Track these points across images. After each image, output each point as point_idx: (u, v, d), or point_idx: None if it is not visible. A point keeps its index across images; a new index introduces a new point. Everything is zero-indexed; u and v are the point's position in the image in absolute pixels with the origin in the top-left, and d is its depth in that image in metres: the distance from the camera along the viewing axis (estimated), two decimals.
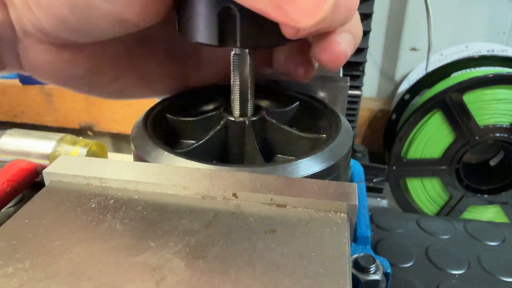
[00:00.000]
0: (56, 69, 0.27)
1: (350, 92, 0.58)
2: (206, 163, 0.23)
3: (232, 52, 0.27)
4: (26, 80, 0.96)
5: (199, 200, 0.20)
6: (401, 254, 0.34)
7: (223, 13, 0.22)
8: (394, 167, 0.70)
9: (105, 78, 0.29)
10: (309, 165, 0.24)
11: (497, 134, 0.65)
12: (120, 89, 0.30)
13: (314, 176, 0.24)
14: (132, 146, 0.27)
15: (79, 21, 0.23)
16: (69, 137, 0.41)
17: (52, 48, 0.26)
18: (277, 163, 0.24)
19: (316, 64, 0.30)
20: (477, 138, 0.65)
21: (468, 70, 0.74)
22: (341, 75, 0.40)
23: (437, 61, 0.81)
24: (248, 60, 0.27)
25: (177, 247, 0.17)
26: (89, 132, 1.00)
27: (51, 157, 0.39)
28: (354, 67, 0.60)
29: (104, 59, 0.28)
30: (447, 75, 0.75)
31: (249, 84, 0.28)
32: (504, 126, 0.64)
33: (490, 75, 0.63)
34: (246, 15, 0.22)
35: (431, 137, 0.68)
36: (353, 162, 0.36)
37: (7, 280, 0.16)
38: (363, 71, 0.61)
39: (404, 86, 0.84)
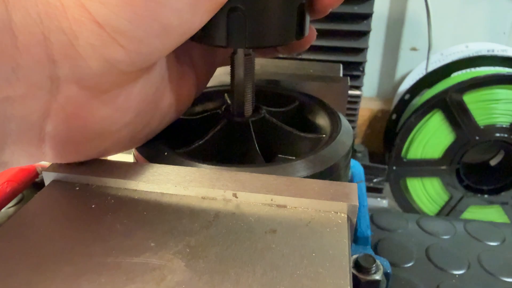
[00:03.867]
0: (106, 125, 0.21)
1: (350, 92, 0.58)
2: (206, 163, 0.23)
3: (239, 53, 0.27)
4: None
5: (199, 200, 0.20)
6: (401, 254, 0.34)
7: (230, 13, 0.22)
8: (394, 167, 0.70)
9: (148, 116, 0.24)
10: (309, 165, 0.24)
11: (497, 134, 0.65)
12: (161, 120, 0.25)
13: (314, 176, 0.24)
14: None
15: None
16: None
17: (104, 98, 0.20)
18: (277, 163, 0.24)
19: None
20: (477, 138, 0.65)
21: (468, 70, 0.74)
22: (341, 75, 0.40)
23: (437, 61, 0.81)
24: (249, 60, 0.27)
25: (177, 247, 0.17)
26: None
27: None
28: (354, 67, 0.60)
29: (149, 93, 0.23)
30: (447, 75, 0.75)
31: (249, 84, 0.28)
32: (504, 126, 0.64)
33: (491, 75, 0.63)
34: (253, 15, 0.22)
35: (431, 137, 0.68)
36: (353, 162, 0.36)
37: (7, 281, 0.16)
38: (363, 71, 0.61)
39: (404, 86, 0.84)
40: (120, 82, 0.20)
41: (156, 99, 0.24)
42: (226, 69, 0.30)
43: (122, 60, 0.19)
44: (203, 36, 0.23)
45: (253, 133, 0.28)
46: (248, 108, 0.28)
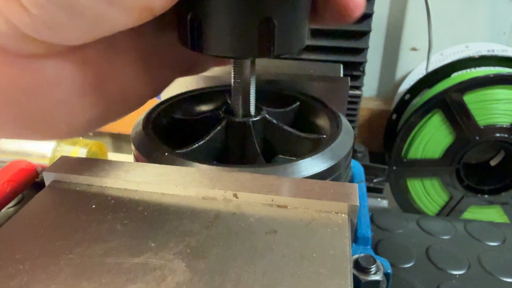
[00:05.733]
0: (34, 96, 0.21)
1: (350, 92, 0.58)
2: (206, 164, 0.23)
3: None
4: None
5: (199, 200, 0.20)
6: (402, 255, 0.34)
7: (192, 19, 0.22)
8: (394, 167, 0.70)
9: (87, 100, 0.23)
10: (309, 166, 0.24)
11: (498, 134, 0.65)
12: (106, 109, 0.25)
13: (314, 176, 0.24)
14: (132, 147, 0.27)
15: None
16: None
17: (27, 65, 0.20)
18: (277, 164, 0.24)
19: None
20: (477, 138, 0.65)
21: (468, 70, 0.74)
22: (341, 75, 0.40)
23: (437, 61, 0.81)
24: (250, 61, 0.27)
25: (177, 247, 0.17)
26: (89, 132, 1.00)
27: (51, 157, 0.39)
28: (354, 67, 0.60)
29: (87, 69, 0.22)
30: (447, 75, 0.75)
31: (250, 85, 0.28)
32: (504, 126, 0.64)
33: (491, 75, 0.63)
34: (209, 24, 0.22)
35: (431, 137, 0.68)
36: (353, 162, 0.36)
37: (7, 281, 0.16)
38: (363, 71, 0.61)
39: (404, 86, 0.84)
40: (41, 51, 0.20)
41: (99, 84, 0.23)
42: (227, 68, 0.30)
43: (25, 23, 0.18)
44: (179, 36, 0.24)
45: (253, 133, 0.28)
46: (249, 109, 0.28)
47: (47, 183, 0.22)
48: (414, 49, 0.85)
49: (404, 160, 0.70)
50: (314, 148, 0.27)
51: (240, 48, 0.23)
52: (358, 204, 0.19)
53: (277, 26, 0.22)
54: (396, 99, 0.84)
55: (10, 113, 0.21)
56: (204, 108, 0.34)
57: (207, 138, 0.27)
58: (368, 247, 0.28)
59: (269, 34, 0.22)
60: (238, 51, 0.23)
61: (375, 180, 0.62)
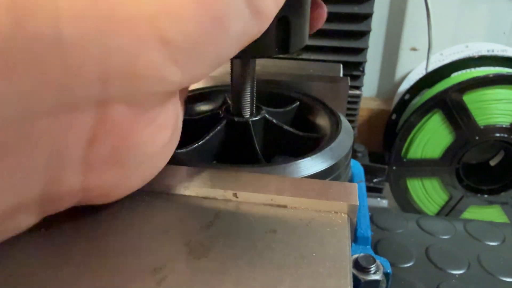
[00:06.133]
0: (149, 146, 0.19)
1: (350, 92, 0.58)
2: (206, 163, 0.23)
3: None
4: None
5: (199, 200, 0.20)
6: (401, 254, 0.34)
7: None
8: (394, 167, 0.70)
9: (177, 133, 0.22)
10: (309, 165, 0.24)
11: (497, 134, 0.65)
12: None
13: (314, 176, 0.24)
14: None
15: None
16: None
17: (148, 117, 0.19)
18: (277, 163, 0.24)
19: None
20: (477, 138, 0.65)
21: (468, 70, 0.74)
22: (341, 75, 0.40)
23: (437, 61, 0.81)
24: (249, 62, 0.27)
25: (177, 247, 0.17)
26: None
27: None
28: (354, 67, 0.60)
29: (177, 108, 0.22)
30: (447, 75, 0.75)
31: (249, 85, 0.28)
32: (504, 126, 0.64)
33: (490, 75, 0.63)
34: None
35: (431, 137, 0.68)
36: (353, 162, 0.36)
37: (6, 280, 0.16)
38: (363, 71, 0.61)
39: (404, 86, 0.84)
40: (164, 100, 0.19)
41: (179, 114, 0.22)
42: (227, 68, 0.30)
43: (176, 81, 0.18)
44: None
45: (253, 133, 0.28)
46: (249, 108, 0.28)
47: None
48: (414, 49, 0.85)
49: (404, 160, 0.70)
50: (314, 147, 0.27)
51: (259, 47, 0.22)
52: (357, 203, 0.19)
53: (292, 24, 0.23)
54: (396, 99, 0.84)
55: (131, 169, 0.19)
56: (204, 108, 0.34)
57: (207, 138, 0.27)
58: (368, 246, 0.28)
59: (286, 32, 0.23)
60: (258, 50, 0.23)
61: (375, 180, 0.62)
